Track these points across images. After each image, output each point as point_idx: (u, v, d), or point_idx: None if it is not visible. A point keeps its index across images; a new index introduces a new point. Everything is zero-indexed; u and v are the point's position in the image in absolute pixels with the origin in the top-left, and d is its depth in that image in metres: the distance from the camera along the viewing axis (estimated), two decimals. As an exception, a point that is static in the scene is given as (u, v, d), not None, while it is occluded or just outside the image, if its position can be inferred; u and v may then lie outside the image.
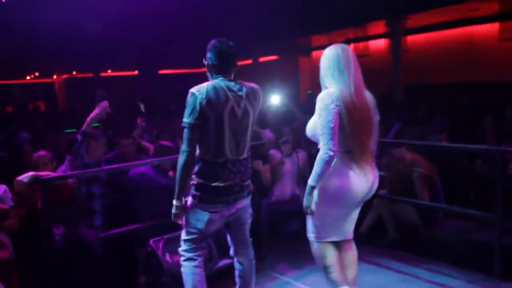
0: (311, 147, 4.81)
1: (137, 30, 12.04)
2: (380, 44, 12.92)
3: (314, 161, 2.51)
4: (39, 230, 3.28)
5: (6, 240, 3.15)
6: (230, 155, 2.55)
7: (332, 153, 2.42)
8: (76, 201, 3.62)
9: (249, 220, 2.86)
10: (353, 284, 2.77)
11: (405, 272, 3.69)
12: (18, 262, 3.20)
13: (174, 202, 2.58)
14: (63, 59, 14.91)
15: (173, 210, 2.60)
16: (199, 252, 2.77)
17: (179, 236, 3.35)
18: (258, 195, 4.35)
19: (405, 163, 4.29)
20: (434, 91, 10.76)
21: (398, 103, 9.31)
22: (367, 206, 2.86)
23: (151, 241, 3.46)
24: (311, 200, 2.55)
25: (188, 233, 2.72)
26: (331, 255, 2.69)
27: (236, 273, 2.91)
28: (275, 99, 6.42)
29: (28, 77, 20.05)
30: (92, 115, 3.60)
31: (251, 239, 2.92)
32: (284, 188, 4.78)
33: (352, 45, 13.36)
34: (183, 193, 2.58)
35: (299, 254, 4.14)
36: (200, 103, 2.42)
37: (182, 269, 2.77)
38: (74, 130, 6.33)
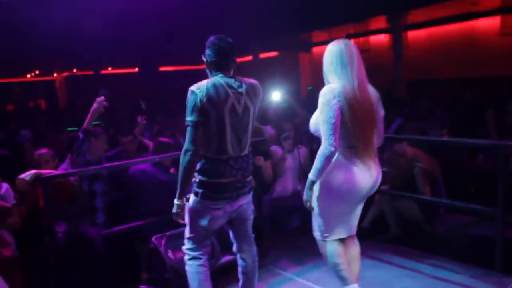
0: (313, 143, 4.82)
1: (137, 28, 12.01)
2: (381, 39, 12.89)
3: (315, 157, 2.52)
4: (41, 228, 3.29)
5: (9, 237, 3.16)
6: (232, 152, 2.55)
7: (333, 149, 2.42)
8: (78, 198, 3.62)
9: (251, 216, 2.87)
10: (356, 279, 2.78)
11: (407, 267, 3.70)
12: (21, 260, 3.21)
13: (176, 201, 2.57)
14: (63, 57, 14.90)
15: (174, 210, 2.59)
16: (203, 251, 2.77)
17: (181, 232, 3.35)
18: (260, 191, 4.36)
19: (406, 158, 4.29)
20: (435, 86, 10.73)
21: (399, 99, 9.29)
22: (369, 201, 2.87)
23: (153, 238, 3.47)
24: (311, 194, 2.56)
25: (191, 231, 2.71)
26: (339, 253, 2.70)
27: (239, 269, 2.91)
28: (276, 96, 6.40)
29: (28, 75, 20.03)
30: (91, 111, 3.61)
31: (253, 235, 2.92)
32: (286, 184, 4.78)
33: (352, 40, 13.32)
34: (185, 192, 2.58)
35: (301, 250, 4.15)
36: (201, 101, 2.42)
37: (187, 268, 2.77)
38: (76, 128, 6.33)
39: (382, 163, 2.72)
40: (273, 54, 16.87)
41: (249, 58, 15.54)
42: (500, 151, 3.42)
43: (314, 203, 2.65)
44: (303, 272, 3.74)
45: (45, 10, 9.53)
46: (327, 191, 2.57)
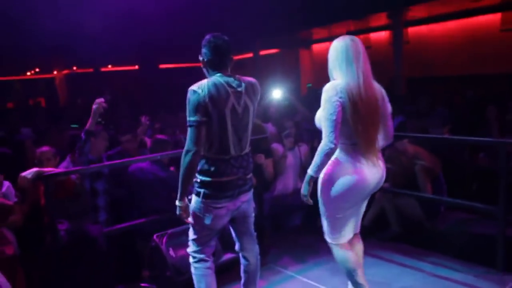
0: (313, 141, 4.82)
1: (138, 25, 12.01)
2: (381, 36, 12.88)
3: (316, 154, 2.52)
4: (42, 226, 3.29)
5: (11, 236, 3.16)
6: (234, 152, 2.55)
7: (332, 145, 2.42)
8: (79, 196, 3.62)
9: (253, 214, 2.86)
10: None
11: (408, 265, 3.70)
12: (23, 258, 3.21)
13: (177, 203, 2.55)
14: (64, 54, 14.91)
15: (177, 212, 2.58)
16: (209, 252, 2.75)
17: (183, 230, 3.37)
18: (261, 189, 4.36)
19: (407, 156, 4.30)
20: (435, 84, 10.72)
21: (399, 96, 9.28)
22: (370, 199, 2.87)
23: (155, 236, 3.48)
24: (309, 189, 2.56)
25: (196, 231, 2.69)
26: (351, 258, 2.70)
27: (241, 268, 2.91)
28: (277, 93, 6.40)
29: (28, 73, 20.03)
30: (92, 113, 3.61)
31: (255, 233, 2.92)
32: (287, 182, 4.78)
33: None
34: (186, 193, 2.56)
35: (302, 248, 4.16)
36: (204, 101, 2.40)
37: (193, 271, 2.75)
38: (77, 126, 6.33)
39: (383, 160, 2.71)
40: (273, 51, 16.85)
41: (250, 55, 15.53)
42: (501, 149, 3.41)
43: (321, 207, 2.64)
44: (304, 270, 3.74)
45: (45, 8, 9.51)
46: (334, 190, 2.55)
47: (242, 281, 2.92)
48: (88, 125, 3.59)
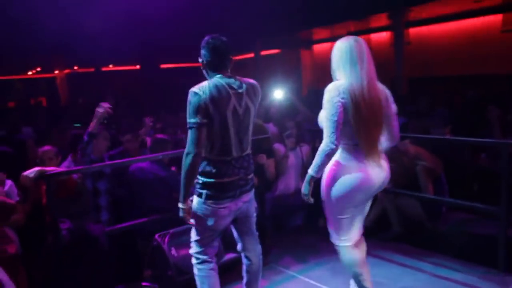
0: (315, 141, 4.82)
1: (139, 25, 12.01)
2: (382, 36, 12.87)
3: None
4: (44, 225, 3.30)
5: (13, 235, 3.16)
6: (235, 153, 2.55)
7: (333, 146, 2.42)
8: (81, 196, 3.63)
9: (255, 214, 2.86)
10: None
11: (409, 265, 3.71)
12: (25, 257, 3.21)
13: (180, 205, 2.54)
14: (65, 54, 14.91)
15: (180, 214, 2.57)
16: (212, 253, 2.75)
17: (185, 230, 3.37)
18: (262, 190, 4.36)
19: (409, 157, 4.30)
20: (436, 84, 10.72)
21: (401, 96, 9.27)
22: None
23: (156, 236, 3.48)
24: (310, 189, 2.56)
25: (198, 233, 2.68)
26: (358, 262, 2.70)
27: (244, 268, 2.90)
28: (278, 94, 6.40)
29: (29, 72, 20.03)
30: (96, 116, 3.61)
31: (257, 233, 2.92)
32: (288, 182, 4.79)
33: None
34: (188, 196, 2.55)
35: (303, 248, 4.17)
36: (205, 103, 2.40)
37: (196, 272, 2.74)
38: (79, 125, 6.34)
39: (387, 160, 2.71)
40: (274, 51, 16.85)
41: (251, 55, 15.53)
42: (503, 149, 3.41)
43: (327, 210, 2.64)
44: (306, 270, 3.75)
45: (46, 8, 9.52)
46: (338, 190, 2.54)
47: (244, 281, 2.92)
48: (91, 127, 3.60)
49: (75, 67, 19.05)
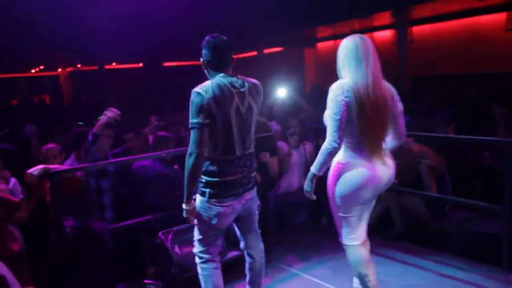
0: (318, 139, 4.82)
1: (142, 23, 12.01)
2: (385, 34, 12.85)
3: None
4: (48, 223, 3.31)
5: (17, 232, 3.18)
6: (238, 152, 2.54)
7: (336, 145, 2.42)
8: (85, 194, 3.64)
9: (257, 211, 2.86)
10: None
11: (412, 263, 3.71)
12: (29, 254, 3.23)
13: (184, 206, 2.54)
14: (68, 52, 14.93)
15: (184, 214, 2.57)
16: (216, 252, 2.75)
17: (188, 228, 3.38)
18: (266, 187, 4.37)
19: (412, 155, 4.29)
20: (439, 82, 10.70)
21: (404, 95, 9.24)
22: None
23: (160, 233, 3.49)
24: (312, 186, 2.57)
25: (201, 232, 2.68)
26: (365, 262, 2.68)
27: (247, 265, 2.91)
28: (281, 92, 6.40)
29: (33, 70, 20.08)
30: (102, 120, 3.62)
31: (260, 231, 2.92)
32: (291, 180, 4.79)
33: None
34: (191, 196, 2.54)
35: (306, 246, 4.17)
36: (208, 103, 2.39)
37: (201, 271, 2.74)
38: (82, 123, 6.35)
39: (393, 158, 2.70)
40: (278, 49, 16.83)
41: (254, 53, 15.53)
42: (508, 148, 3.40)
43: (334, 209, 2.63)
44: (308, 268, 3.75)
45: (49, 5, 9.53)
46: (345, 189, 2.53)
47: (247, 278, 2.93)
48: (95, 128, 3.60)
49: (78, 65, 19.09)
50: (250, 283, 2.92)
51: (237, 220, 2.79)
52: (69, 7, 9.93)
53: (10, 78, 19.68)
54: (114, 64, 19.39)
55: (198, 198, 2.61)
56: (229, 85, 2.48)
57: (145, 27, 12.29)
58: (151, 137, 4.84)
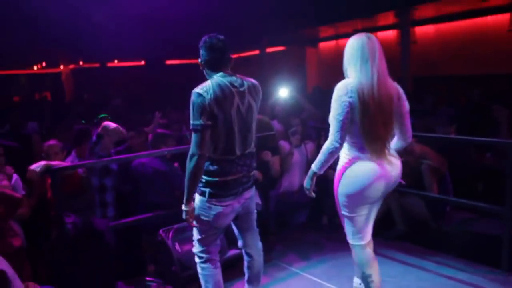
0: (320, 139, 4.82)
1: (144, 20, 12.01)
2: (388, 35, 12.83)
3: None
4: (49, 219, 3.32)
5: (18, 228, 3.19)
6: (239, 152, 2.54)
7: (337, 145, 2.42)
8: (85, 190, 3.64)
9: (255, 210, 2.86)
10: None
11: (413, 264, 3.71)
12: (29, 250, 3.24)
13: (183, 207, 2.53)
14: (70, 49, 14.92)
15: (183, 216, 2.56)
16: (216, 251, 2.75)
17: (188, 225, 3.37)
18: (267, 186, 4.37)
19: (414, 155, 4.28)
20: (442, 83, 10.68)
21: (406, 95, 9.22)
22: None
23: (160, 231, 3.50)
24: (312, 184, 2.58)
25: (201, 232, 2.67)
26: (371, 263, 2.68)
27: (245, 264, 2.91)
28: (283, 92, 6.40)
29: (34, 67, 20.08)
30: (112, 130, 3.63)
31: (257, 229, 2.91)
32: (293, 179, 4.79)
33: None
34: (191, 198, 2.53)
35: (307, 245, 4.18)
36: (209, 104, 2.37)
37: (201, 271, 2.74)
38: (84, 121, 6.35)
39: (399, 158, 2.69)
40: (280, 48, 16.82)
41: (256, 52, 15.52)
42: (510, 149, 3.39)
43: (341, 208, 2.62)
44: (309, 267, 3.76)
45: (51, 2, 9.54)
46: (353, 187, 2.52)
47: (246, 277, 2.93)
48: (100, 129, 3.61)
49: (80, 63, 19.08)
50: (249, 281, 2.92)
51: (235, 219, 2.78)
52: (71, 4, 9.93)
53: (12, 75, 19.68)
54: (116, 61, 19.38)
55: (198, 197, 2.60)
56: (229, 85, 2.47)
57: (147, 25, 12.28)
58: (150, 136, 4.85)
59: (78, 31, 11.38)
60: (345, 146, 2.55)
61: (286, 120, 5.32)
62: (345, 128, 2.41)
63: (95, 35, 11.80)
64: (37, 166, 2.99)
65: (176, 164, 4.21)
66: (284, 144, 4.82)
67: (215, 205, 2.55)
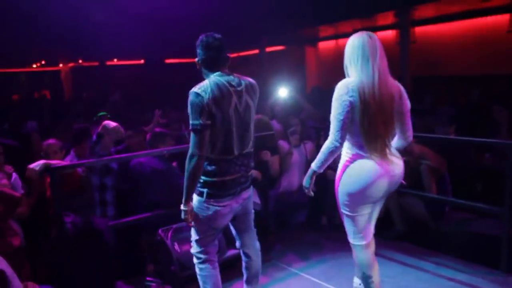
0: (319, 139, 4.82)
1: (144, 19, 11.99)
2: (388, 35, 12.84)
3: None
4: (48, 218, 3.31)
5: (17, 227, 3.18)
6: (237, 151, 2.53)
7: (337, 144, 2.42)
8: (85, 190, 3.64)
9: (253, 210, 2.85)
10: None
11: (411, 264, 3.71)
12: (29, 249, 3.23)
13: (182, 207, 2.52)
14: (69, 47, 14.90)
15: (182, 216, 2.55)
16: (214, 252, 2.74)
17: (187, 225, 3.37)
18: (266, 186, 4.36)
19: (413, 156, 4.28)
20: (442, 83, 10.69)
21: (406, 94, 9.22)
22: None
23: (160, 231, 3.49)
24: (311, 182, 2.59)
25: (199, 232, 2.66)
26: (372, 264, 2.68)
27: (243, 264, 2.90)
28: (283, 91, 6.40)
29: (34, 66, 20.06)
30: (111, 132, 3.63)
31: (255, 229, 2.91)
32: (292, 179, 4.79)
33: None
34: (190, 198, 2.53)
35: (306, 245, 4.18)
36: (208, 104, 2.36)
37: (199, 272, 2.73)
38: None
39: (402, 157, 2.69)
40: (279, 48, 16.81)
41: (256, 51, 15.52)
42: (509, 150, 3.40)
43: (342, 208, 2.61)
44: (308, 267, 3.76)
45: (51, 1, 9.52)
46: (354, 187, 2.51)
47: (245, 277, 2.92)
48: (100, 129, 3.61)
49: (80, 61, 19.07)
50: (248, 282, 2.92)
51: (233, 219, 2.76)
52: (71, 3, 9.92)
53: (11, 73, 19.66)
54: (115, 60, 19.37)
55: (196, 198, 2.58)
56: (226, 84, 2.46)
57: (147, 23, 12.25)
58: (148, 135, 4.85)
59: (77, 29, 11.36)
60: (346, 145, 2.54)
61: (285, 120, 5.32)
62: (345, 128, 2.41)
63: (94, 33, 11.78)
64: (36, 165, 2.99)
65: (174, 164, 4.20)
66: (283, 144, 4.82)
67: (213, 205, 2.54)
